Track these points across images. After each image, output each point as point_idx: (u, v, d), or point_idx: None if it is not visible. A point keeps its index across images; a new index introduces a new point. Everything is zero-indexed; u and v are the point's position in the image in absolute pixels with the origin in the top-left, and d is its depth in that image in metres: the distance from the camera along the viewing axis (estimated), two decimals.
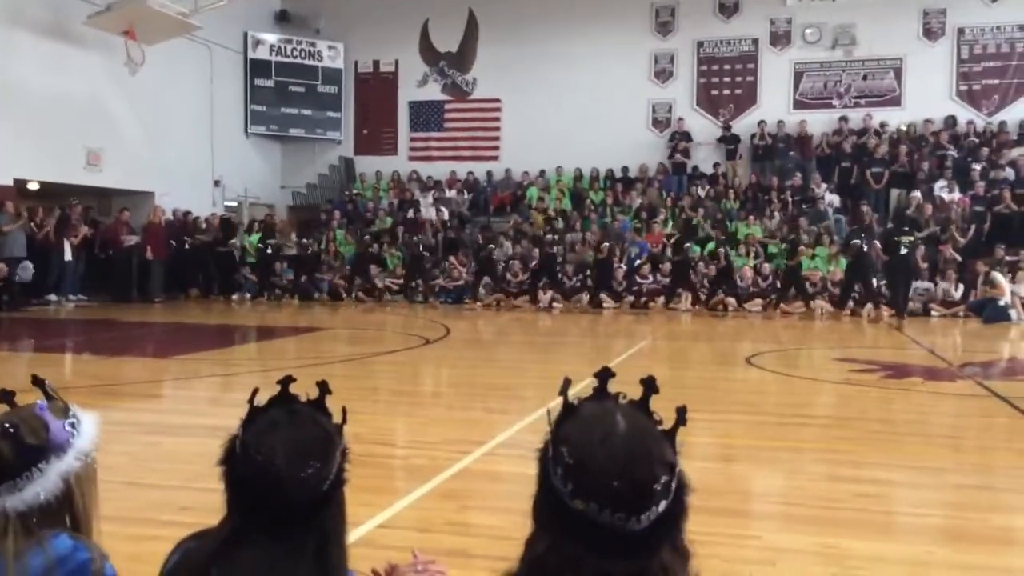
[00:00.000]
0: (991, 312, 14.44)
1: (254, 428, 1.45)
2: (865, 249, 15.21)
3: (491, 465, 4.82)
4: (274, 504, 1.43)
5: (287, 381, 1.51)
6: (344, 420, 1.54)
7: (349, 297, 17.87)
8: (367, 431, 5.31)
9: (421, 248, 18.60)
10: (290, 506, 1.43)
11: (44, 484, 1.60)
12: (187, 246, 18.22)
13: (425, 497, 4.13)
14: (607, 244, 17.34)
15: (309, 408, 1.51)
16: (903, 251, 14.47)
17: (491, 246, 18.31)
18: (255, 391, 1.50)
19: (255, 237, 18.98)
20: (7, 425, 1.59)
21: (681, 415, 1.27)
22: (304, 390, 1.53)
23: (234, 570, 1.43)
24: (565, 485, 1.20)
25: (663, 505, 1.20)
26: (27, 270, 14.50)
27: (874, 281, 15.31)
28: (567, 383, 1.32)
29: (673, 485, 1.22)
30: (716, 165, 20.23)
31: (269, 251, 18.59)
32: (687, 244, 17.15)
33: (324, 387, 1.54)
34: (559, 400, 1.29)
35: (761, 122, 19.97)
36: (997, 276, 14.89)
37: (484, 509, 4.02)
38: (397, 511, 3.85)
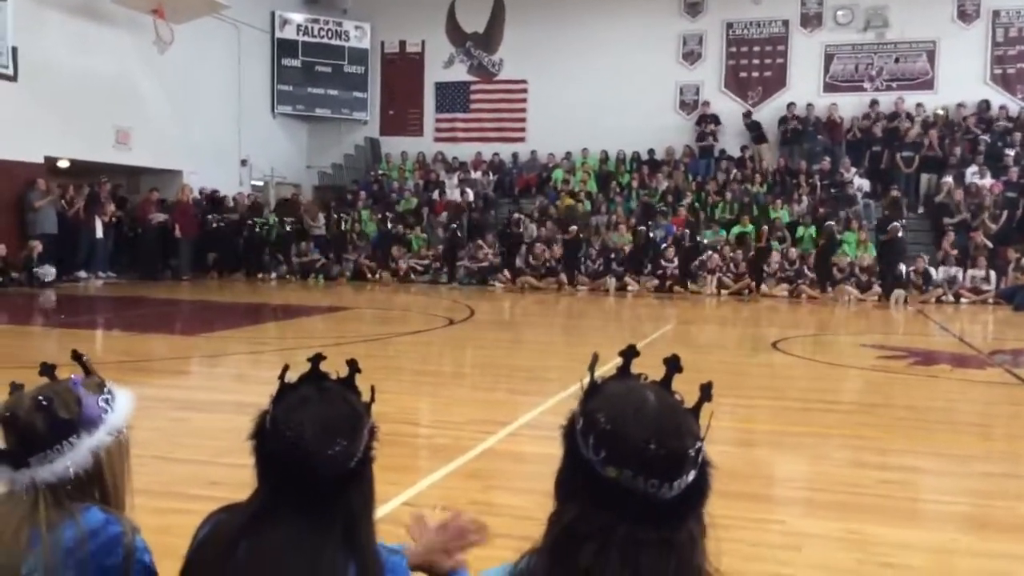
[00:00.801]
0: (1022, 299, 14.25)
1: (284, 404, 1.47)
2: (900, 234, 15.62)
3: (515, 446, 4.84)
4: (302, 479, 1.45)
5: (317, 359, 1.53)
6: (372, 399, 1.55)
7: (374, 277, 17.94)
8: (392, 410, 5.34)
9: (445, 230, 18.62)
10: (318, 482, 1.45)
11: (74, 458, 1.62)
12: (214, 225, 18.32)
13: (450, 476, 4.16)
14: (575, 227, 17.28)
15: (339, 386, 1.53)
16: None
17: (517, 216, 18.31)
18: (285, 368, 1.52)
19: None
20: (41, 399, 1.62)
21: (706, 391, 1.28)
22: (332, 368, 1.54)
23: (263, 543, 1.45)
24: (598, 453, 1.22)
25: (692, 475, 1.22)
26: (49, 273, 14.75)
27: (902, 266, 15.55)
28: (595, 358, 1.34)
29: (700, 457, 1.24)
30: (744, 148, 20.02)
31: (288, 229, 18.69)
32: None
33: (354, 365, 1.55)
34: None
35: (790, 105, 19.71)
36: None
37: (508, 489, 4.05)
38: (422, 489, 3.88)
